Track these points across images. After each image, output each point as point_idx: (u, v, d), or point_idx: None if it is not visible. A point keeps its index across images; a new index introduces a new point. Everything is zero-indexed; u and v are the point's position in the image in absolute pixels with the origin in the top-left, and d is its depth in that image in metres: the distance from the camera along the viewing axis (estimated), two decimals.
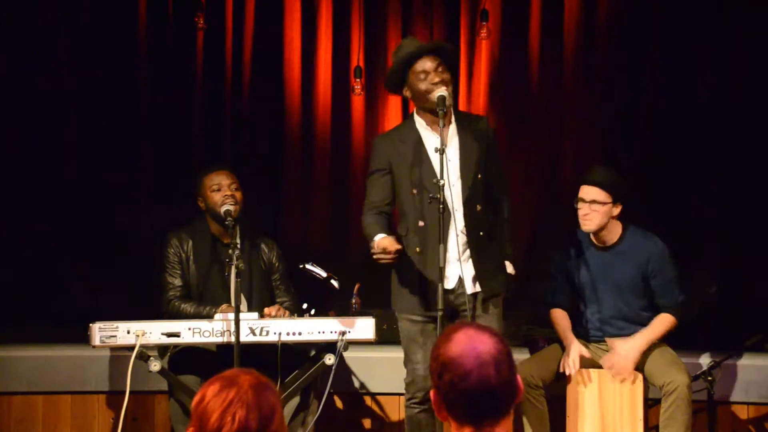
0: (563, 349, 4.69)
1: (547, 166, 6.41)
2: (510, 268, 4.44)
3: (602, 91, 6.34)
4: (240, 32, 6.48)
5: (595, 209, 4.59)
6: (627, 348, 4.57)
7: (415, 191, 4.24)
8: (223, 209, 4.61)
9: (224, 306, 4.58)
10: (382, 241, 4.10)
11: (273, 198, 6.54)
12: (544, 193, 6.36)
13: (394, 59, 4.38)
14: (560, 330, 4.72)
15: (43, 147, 6.24)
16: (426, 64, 4.23)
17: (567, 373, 4.61)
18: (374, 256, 4.11)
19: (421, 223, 4.23)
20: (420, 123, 4.33)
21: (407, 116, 6.41)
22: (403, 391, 4.44)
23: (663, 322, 4.63)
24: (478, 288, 4.28)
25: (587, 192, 4.60)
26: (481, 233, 4.28)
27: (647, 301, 4.69)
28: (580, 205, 4.62)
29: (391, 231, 4.25)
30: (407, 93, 4.33)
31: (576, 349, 4.61)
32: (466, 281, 4.24)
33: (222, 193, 4.69)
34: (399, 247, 4.10)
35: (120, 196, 6.33)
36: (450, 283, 4.22)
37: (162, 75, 6.38)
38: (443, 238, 4.04)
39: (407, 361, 4.37)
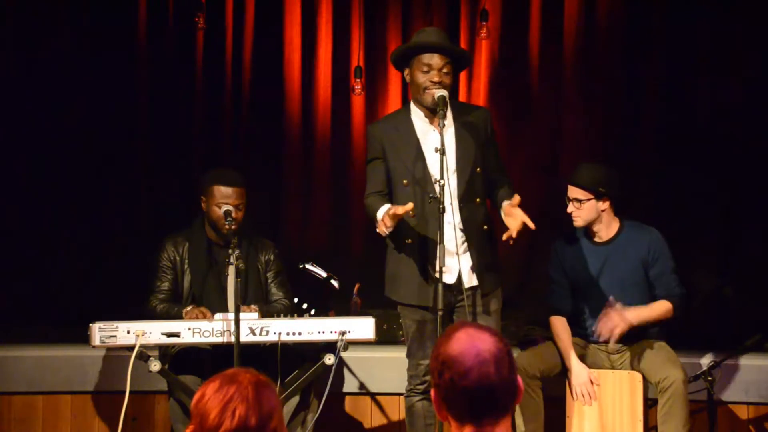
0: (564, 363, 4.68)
1: (548, 165, 6.41)
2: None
3: (602, 90, 6.35)
4: (240, 32, 6.48)
5: (577, 206, 4.64)
6: (622, 314, 4.52)
7: (405, 182, 4.24)
8: (222, 229, 4.63)
9: (189, 308, 4.59)
10: (388, 210, 4.06)
11: (273, 198, 6.54)
12: (545, 192, 6.36)
13: (412, 39, 4.38)
14: (561, 345, 4.67)
15: (43, 147, 6.24)
16: (434, 59, 4.21)
17: (581, 399, 4.58)
18: (383, 226, 4.06)
19: (411, 214, 4.22)
20: (415, 113, 4.32)
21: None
22: (403, 391, 4.45)
23: (661, 306, 4.59)
24: (476, 282, 4.27)
25: (570, 191, 4.66)
26: (481, 227, 4.28)
27: (649, 294, 4.68)
28: (568, 203, 4.66)
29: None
30: (407, 77, 4.31)
31: (584, 373, 4.58)
32: (464, 275, 4.23)
33: (226, 212, 4.65)
34: (407, 209, 4.03)
35: (120, 196, 6.33)
36: (450, 278, 4.22)
37: (162, 75, 6.38)
38: (441, 236, 4.04)
39: (409, 355, 4.38)
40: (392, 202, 4.26)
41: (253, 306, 4.60)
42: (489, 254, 4.33)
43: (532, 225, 4.08)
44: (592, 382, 4.59)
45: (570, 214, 4.68)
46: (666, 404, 4.42)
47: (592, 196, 4.61)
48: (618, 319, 4.51)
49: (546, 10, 6.36)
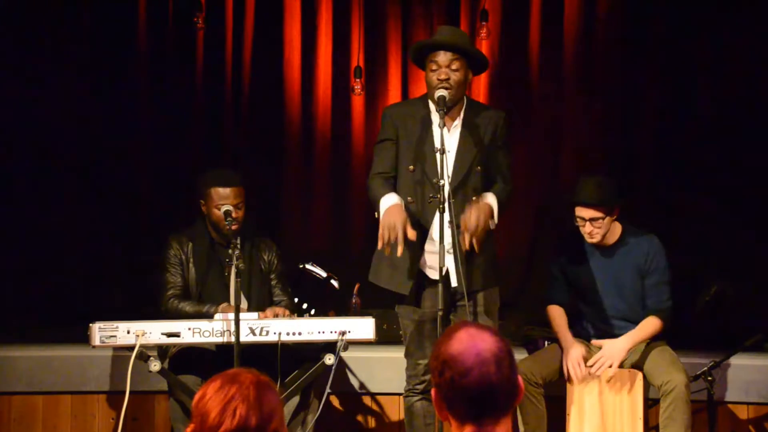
0: (561, 347, 4.69)
1: (548, 166, 6.42)
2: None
3: (602, 90, 6.35)
4: (240, 32, 6.49)
5: (597, 225, 4.60)
6: (614, 347, 4.56)
7: (411, 168, 4.23)
8: (224, 230, 4.62)
9: (224, 305, 4.58)
10: (389, 217, 4.05)
11: (273, 198, 6.55)
12: (545, 192, 6.37)
13: (430, 38, 4.38)
14: (557, 328, 4.71)
15: (43, 146, 6.25)
16: (441, 56, 4.20)
17: (573, 376, 4.59)
18: (381, 231, 4.05)
19: (410, 199, 4.21)
20: (431, 105, 4.30)
21: None
22: (403, 391, 4.45)
23: (650, 325, 4.62)
24: (465, 279, 4.20)
25: (585, 212, 4.61)
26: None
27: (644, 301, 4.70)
28: (580, 222, 4.62)
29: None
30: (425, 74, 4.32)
31: (577, 350, 4.60)
32: (453, 274, 4.21)
33: (226, 212, 4.63)
34: (408, 228, 4.03)
35: (120, 196, 6.33)
36: (436, 274, 4.18)
37: (162, 75, 6.38)
38: (441, 236, 4.02)
39: (408, 355, 4.38)
40: (396, 186, 4.25)
41: (278, 309, 4.60)
42: (483, 251, 4.27)
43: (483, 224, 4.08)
44: (586, 362, 4.59)
45: (576, 230, 4.65)
46: (668, 408, 4.42)
47: (607, 213, 4.60)
48: (609, 355, 4.54)
49: (546, 10, 6.37)
